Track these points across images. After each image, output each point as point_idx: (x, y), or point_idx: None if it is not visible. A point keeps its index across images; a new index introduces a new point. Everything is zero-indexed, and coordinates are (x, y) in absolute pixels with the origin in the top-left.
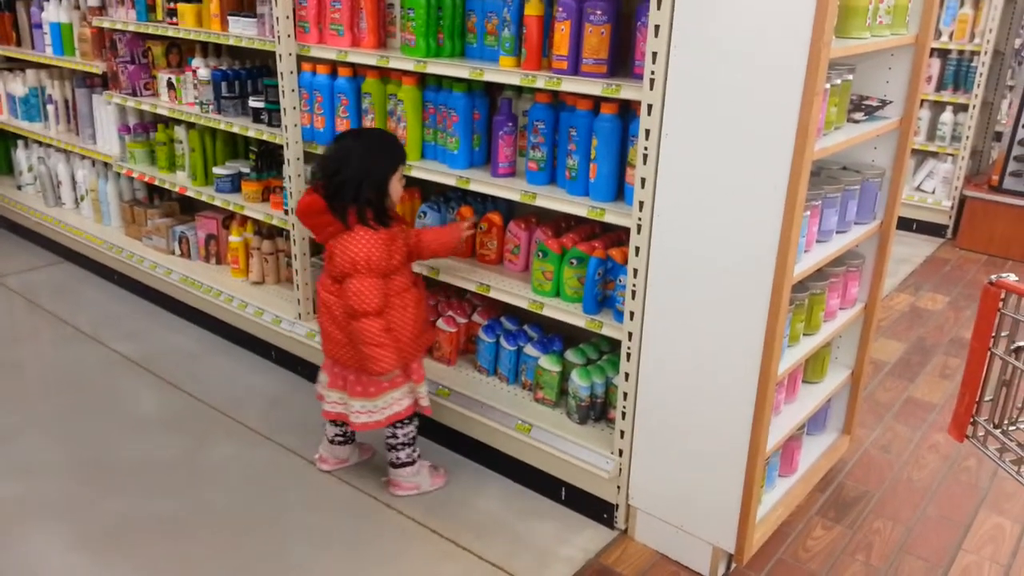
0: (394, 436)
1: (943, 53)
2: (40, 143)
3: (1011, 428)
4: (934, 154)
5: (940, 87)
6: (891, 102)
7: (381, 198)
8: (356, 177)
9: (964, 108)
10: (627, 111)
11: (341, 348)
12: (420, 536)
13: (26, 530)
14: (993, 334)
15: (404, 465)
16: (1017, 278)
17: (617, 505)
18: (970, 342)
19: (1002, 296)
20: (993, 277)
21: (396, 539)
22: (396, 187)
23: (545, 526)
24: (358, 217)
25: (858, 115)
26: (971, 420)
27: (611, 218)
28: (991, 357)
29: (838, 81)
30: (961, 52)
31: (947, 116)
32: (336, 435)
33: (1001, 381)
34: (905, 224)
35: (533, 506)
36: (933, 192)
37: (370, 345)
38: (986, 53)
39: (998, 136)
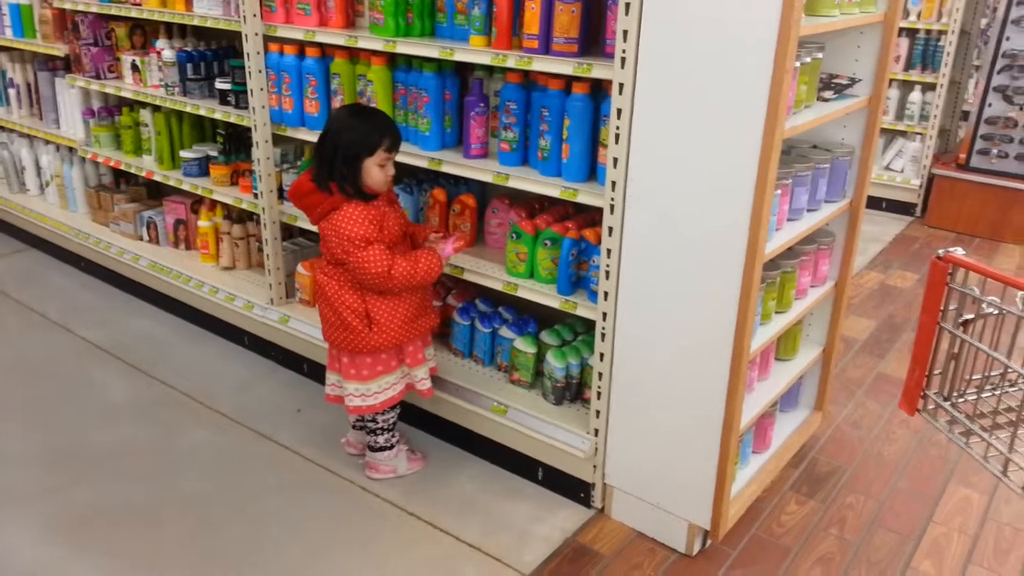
0: (374, 420)
1: (911, 32)
2: (2, 128)
3: (960, 400)
4: (903, 133)
5: (909, 66)
6: (860, 80)
7: (354, 175)
8: (331, 147)
9: (932, 87)
10: (599, 90)
11: (334, 330)
12: (397, 519)
13: None
14: (942, 308)
15: (382, 449)
16: (965, 252)
17: (593, 484)
18: (919, 316)
19: (950, 270)
20: (941, 251)
21: (373, 522)
22: (373, 172)
23: (522, 506)
24: (340, 189)
25: (828, 93)
26: (921, 393)
27: (584, 198)
28: (940, 331)
29: (808, 59)
30: (929, 31)
31: (915, 95)
32: (356, 420)
33: (950, 354)
34: (874, 203)
35: (510, 487)
36: (902, 171)
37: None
38: (953, 32)
39: (965, 115)
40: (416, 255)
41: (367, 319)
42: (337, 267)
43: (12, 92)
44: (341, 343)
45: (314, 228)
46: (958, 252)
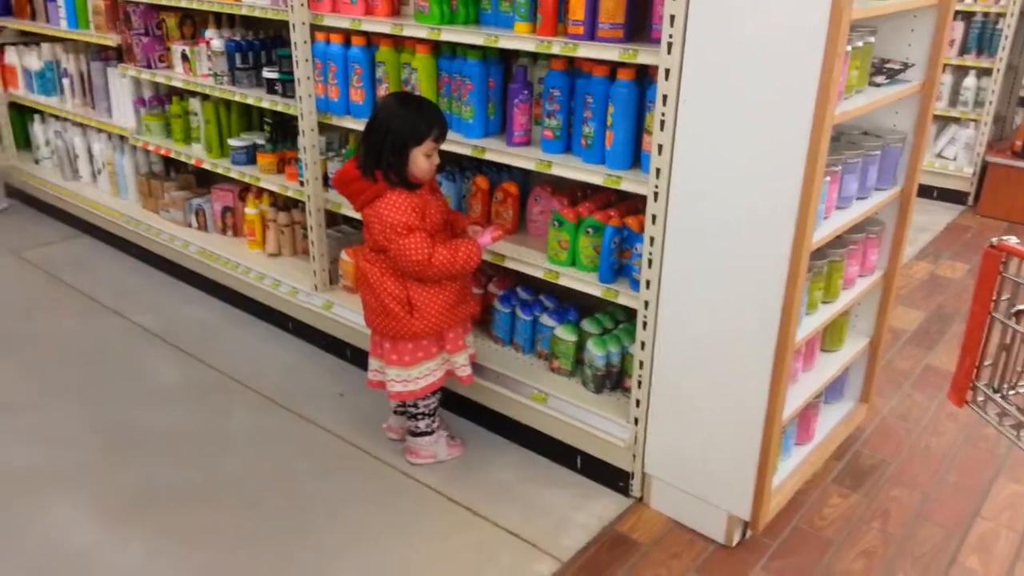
0: (415, 405)
1: (967, 16)
2: (56, 117)
3: (1011, 392)
4: (956, 120)
5: (963, 51)
6: (913, 65)
7: (401, 164)
8: (379, 135)
9: (988, 72)
10: (644, 76)
11: (376, 316)
12: (437, 504)
13: (48, 499)
14: (994, 297)
15: (423, 434)
16: (1019, 240)
17: (633, 473)
18: (971, 306)
19: (1003, 259)
20: (994, 239)
21: (413, 507)
22: (420, 161)
23: (561, 494)
24: (384, 177)
25: (879, 79)
26: (971, 385)
27: (627, 186)
28: (991, 321)
29: (859, 43)
30: (986, 14)
31: (970, 81)
32: (398, 406)
33: (1001, 345)
34: (926, 191)
35: (549, 475)
36: (955, 159)
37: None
38: (1012, 15)
39: (1022, 101)
40: (456, 244)
41: (408, 306)
42: (379, 254)
43: (66, 82)
44: (383, 329)
45: (358, 215)
46: (1012, 240)
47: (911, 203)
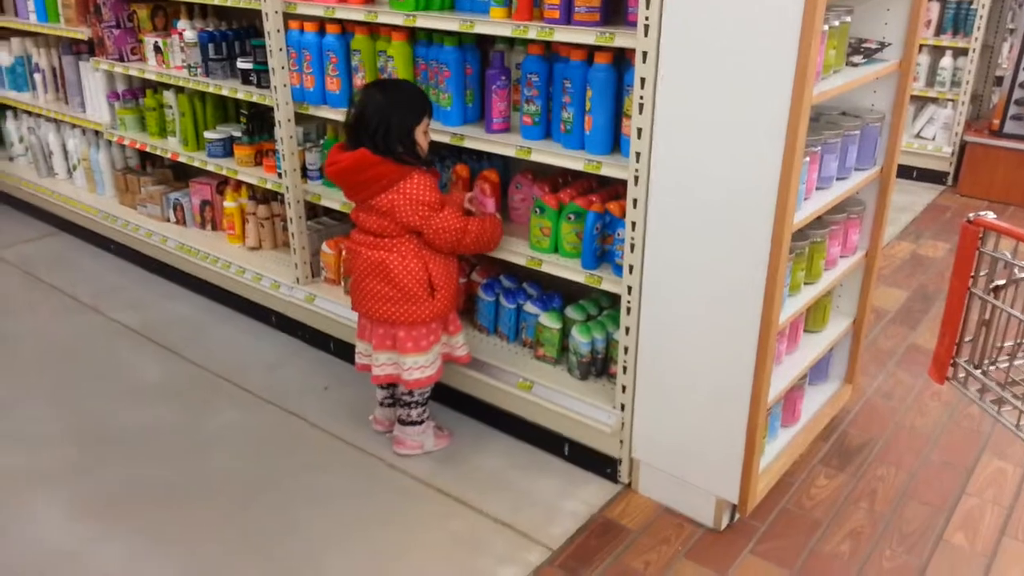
0: (410, 393)
1: None
2: (29, 113)
3: (991, 368)
4: (934, 100)
5: (939, 31)
6: (890, 44)
7: (411, 149)
8: (382, 130)
9: (964, 52)
10: (622, 60)
11: (393, 305)
12: (424, 495)
13: (29, 499)
14: (972, 273)
15: (413, 424)
16: (996, 216)
17: (620, 459)
18: (950, 282)
19: (980, 234)
20: (972, 215)
21: (400, 498)
22: (422, 140)
23: (549, 482)
24: (403, 161)
25: (857, 58)
26: (952, 361)
27: (607, 171)
28: (970, 297)
29: (836, 23)
30: None
31: (947, 61)
32: (385, 398)
33: (980, 321)
34: (905, 172)
35: (537, 463)
36: (933, 139)
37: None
38: None
39: (999, 80)
40: (482, 219)
41: (430, 287)
42: (396, 239)
43: (38, 77)
44: (402, 317)
45: (336, 207)
46: (989, 216)
47: (891, 183)
